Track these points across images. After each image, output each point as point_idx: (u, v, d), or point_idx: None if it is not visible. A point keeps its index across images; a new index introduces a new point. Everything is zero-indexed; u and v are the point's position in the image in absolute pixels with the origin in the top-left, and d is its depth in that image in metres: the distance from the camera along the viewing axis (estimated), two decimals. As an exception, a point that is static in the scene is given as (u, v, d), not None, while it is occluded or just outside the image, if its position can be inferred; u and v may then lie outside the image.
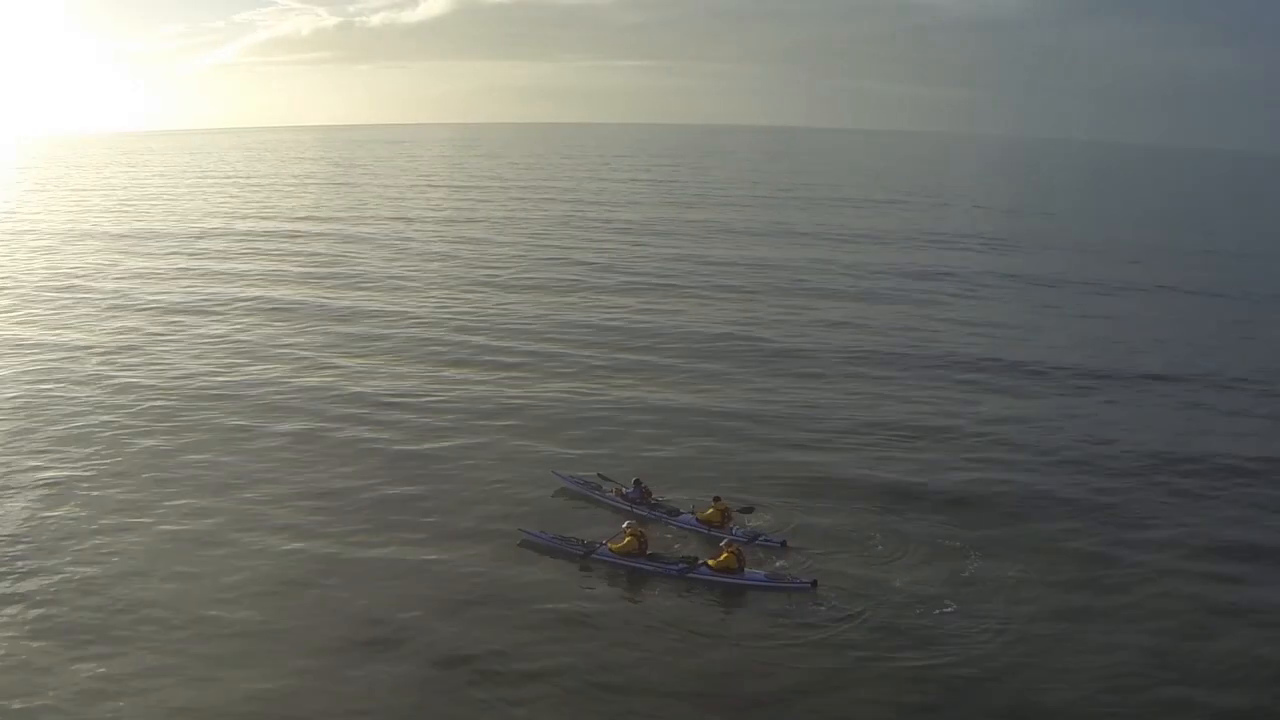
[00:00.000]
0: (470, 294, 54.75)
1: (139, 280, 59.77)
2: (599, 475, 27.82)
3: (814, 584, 21.78)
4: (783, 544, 24.06)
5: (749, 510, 25.14)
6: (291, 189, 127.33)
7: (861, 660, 19.39)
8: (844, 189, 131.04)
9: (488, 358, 41.06)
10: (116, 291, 56.06)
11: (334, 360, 40.77)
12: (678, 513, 25.80)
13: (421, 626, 20.81)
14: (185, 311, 50.73)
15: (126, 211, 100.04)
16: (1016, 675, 18.89)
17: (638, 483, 26.68)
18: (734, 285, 57.27)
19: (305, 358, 41.25)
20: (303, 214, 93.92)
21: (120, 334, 45.69)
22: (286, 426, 32.47)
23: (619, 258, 66.28)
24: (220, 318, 49.27)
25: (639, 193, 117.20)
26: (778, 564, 23.10)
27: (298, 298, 53.98)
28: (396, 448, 30.86)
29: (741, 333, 45.33)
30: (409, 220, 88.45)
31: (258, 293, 55.19)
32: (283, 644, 20.13)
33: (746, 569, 22.39)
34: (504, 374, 38.45)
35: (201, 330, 46.56)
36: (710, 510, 25.12)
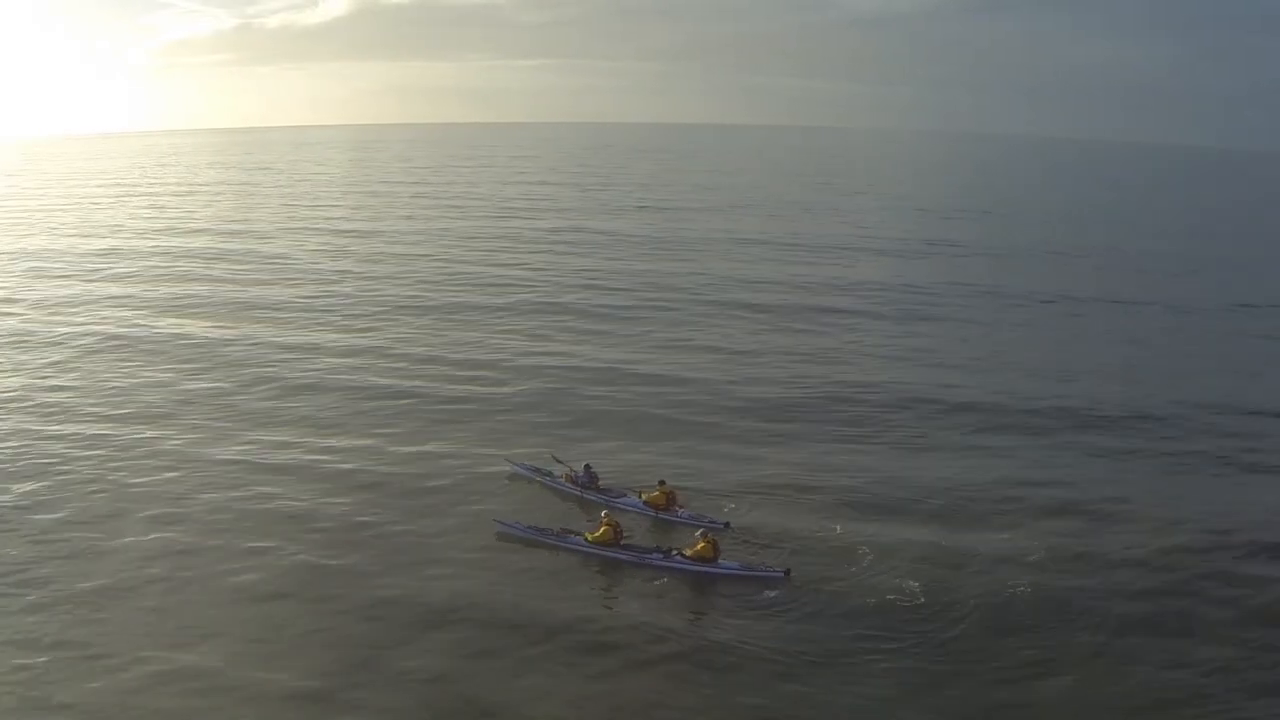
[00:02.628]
0: (388, 321, 45.82)
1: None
2: (552, 456, 27.41)
3: (787, 573, 21.12)
4: (726, 525, 23.64)
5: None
6: (200, 197, 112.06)
7: (833, 649, 18.70)
8: (757, 190, 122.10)
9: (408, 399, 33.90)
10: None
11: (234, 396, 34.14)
12: (623, 495, 25.51)
13: (397, 622, 19.70)
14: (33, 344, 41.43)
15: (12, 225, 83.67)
16: (987, 665, 18.23)
17: (588, 467, 26.33)
18: (661, 303, 49.90)
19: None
20: (199, 227, 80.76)
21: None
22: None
23: (539, 274, 57.82)
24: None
25: (553, 198, 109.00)
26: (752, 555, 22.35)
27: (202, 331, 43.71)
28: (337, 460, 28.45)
29: (682, 363, 38.89)
30: (317, 233, 76.25)
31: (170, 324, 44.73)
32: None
33: (721, 559, 21.62)
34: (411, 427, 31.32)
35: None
36: (656, 493, 24.75)
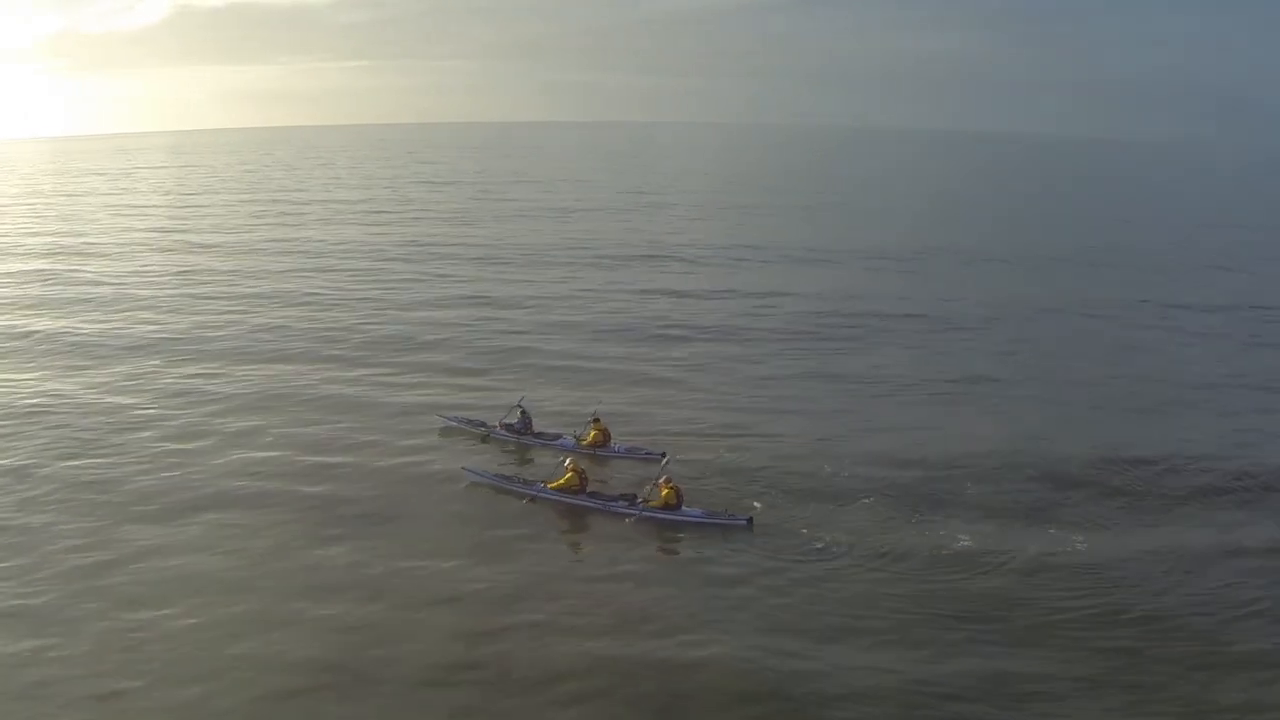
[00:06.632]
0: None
1: None
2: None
3: (750, 520, 20.47)
4: (663, 455, 23.19)
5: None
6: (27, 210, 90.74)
7: (795, 593, 18.00)
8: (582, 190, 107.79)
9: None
10: None
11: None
12: (559, 436, 24.96)
13: (368, 575, 18.35)
14: None
15: None
16: (944, 615, 17.32)
17: (523, 413, 25.77)
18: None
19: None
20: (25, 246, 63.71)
21: None
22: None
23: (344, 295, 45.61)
24: None
25: (388, 200, 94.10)
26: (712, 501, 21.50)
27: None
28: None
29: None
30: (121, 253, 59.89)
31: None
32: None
33: (684, 506, 20.82)
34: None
35: None
36: (593, 432, 24.37)
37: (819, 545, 19.39)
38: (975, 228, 73.92)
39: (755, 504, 21.08)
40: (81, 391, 29.62)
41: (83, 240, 65.19)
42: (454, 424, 26.12)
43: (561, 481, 21.30)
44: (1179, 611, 17.14)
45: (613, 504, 21.06)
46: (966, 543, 19.46)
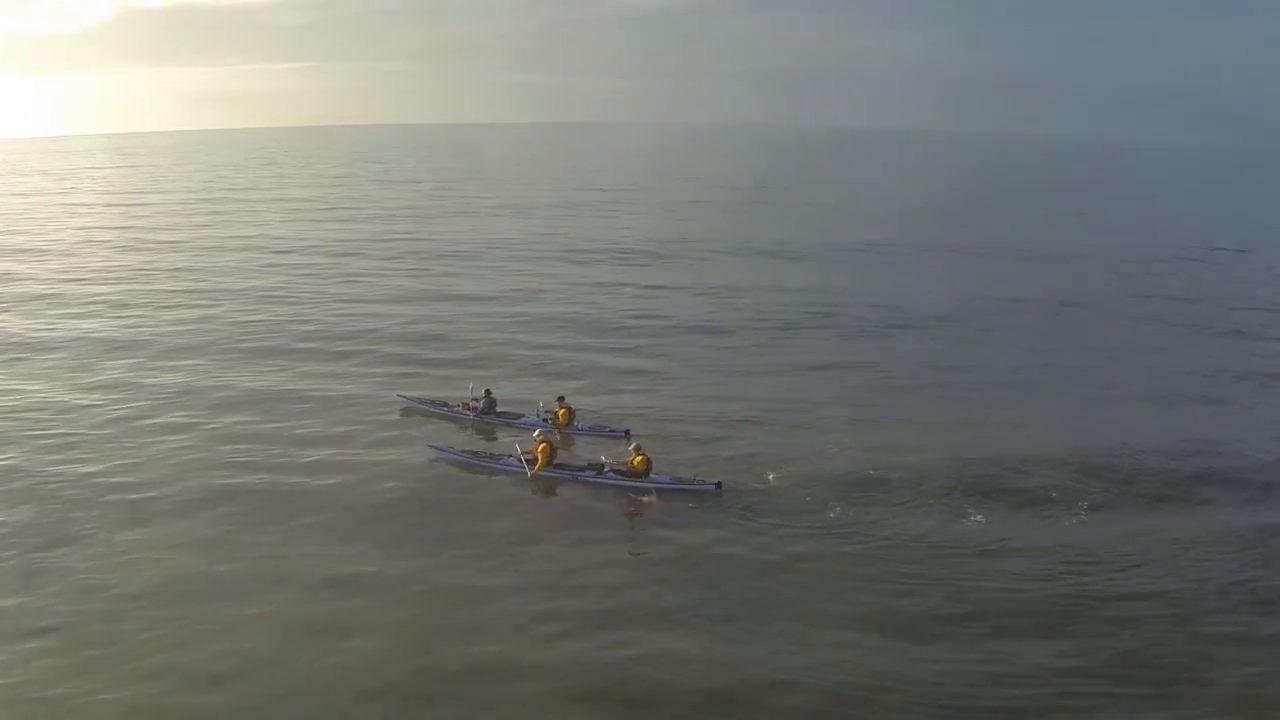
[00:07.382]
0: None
1: None
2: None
3: (719, 485, 20.47)
4: (626, 433, 23.52)
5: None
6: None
7: (763, 555, 18.06)
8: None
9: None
10: None
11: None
12: (522, 416, 24.90)
13: (333, 566, 17.69)
14: None
15: None
16: (905, 576, 17.41)
17: (487, 393, 25.59)
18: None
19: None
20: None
21: None
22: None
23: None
24: None
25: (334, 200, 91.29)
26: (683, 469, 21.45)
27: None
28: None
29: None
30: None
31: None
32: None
33: (653, 473, 20.75)
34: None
35: None
36: (559, 410, 24.33)
37: (798, 521, 19.30)
38: (948, 225, 74.34)
39: (770, 476, 20.92)
40: (29, 387, 28.66)
41: (27, 239, 63.51)
42: (416, 405, 25.82)
43: (539, 460, 21.19)
44: (1186, 597, 16.87)
45: (581, 473, 21.06)
46: (963, 525, 19.32)
